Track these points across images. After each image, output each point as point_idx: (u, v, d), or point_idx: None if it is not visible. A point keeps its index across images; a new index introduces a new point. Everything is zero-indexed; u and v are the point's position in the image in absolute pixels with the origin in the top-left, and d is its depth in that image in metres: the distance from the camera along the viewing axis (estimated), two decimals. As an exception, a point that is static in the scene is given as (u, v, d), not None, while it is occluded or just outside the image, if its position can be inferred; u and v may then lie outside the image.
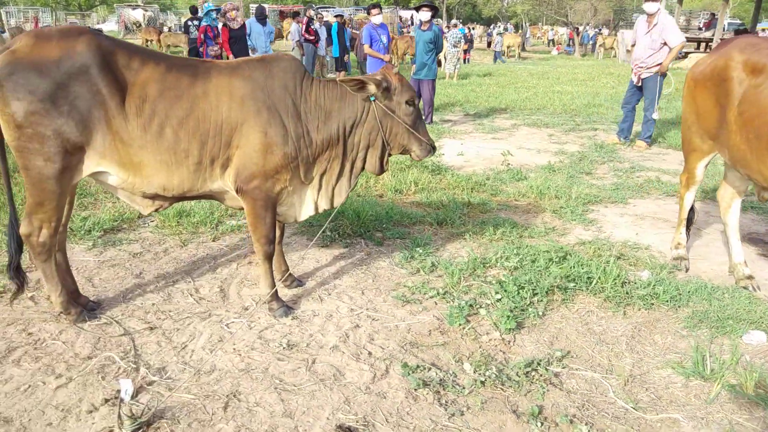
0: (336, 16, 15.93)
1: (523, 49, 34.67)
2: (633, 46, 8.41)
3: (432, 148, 3.55)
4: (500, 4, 66.53)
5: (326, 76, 17.56)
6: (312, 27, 16.41)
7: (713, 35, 23.58)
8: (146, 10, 34.83)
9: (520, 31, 44.69)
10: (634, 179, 6.74)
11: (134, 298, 3.67)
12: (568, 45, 40.41)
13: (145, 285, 3.86)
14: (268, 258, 3.47)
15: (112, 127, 3.01)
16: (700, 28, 28.53)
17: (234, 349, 3.15)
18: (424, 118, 9.77)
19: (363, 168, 3.55)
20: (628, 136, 8.69)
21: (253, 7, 14.93)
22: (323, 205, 3.53)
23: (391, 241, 4.69)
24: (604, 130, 9.86)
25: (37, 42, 2.91)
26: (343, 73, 15.70)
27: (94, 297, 3.65)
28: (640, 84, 8.21)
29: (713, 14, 30.26)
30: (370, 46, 9.95)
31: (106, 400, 2.67)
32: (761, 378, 2.84)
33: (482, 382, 2.87)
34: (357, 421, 2.60)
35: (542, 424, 2.59)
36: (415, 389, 2.82)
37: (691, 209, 4.25)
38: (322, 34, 16.95)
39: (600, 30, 42.73)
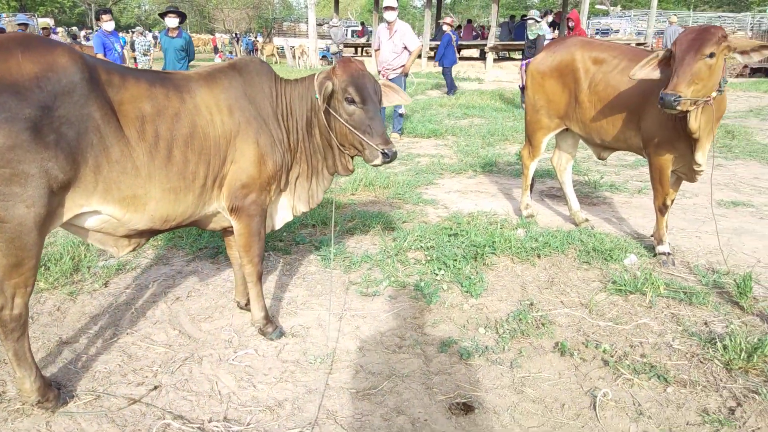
0: (20, 24, 13.36)
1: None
2: (377, 50, 9.47)
3: (383, 154, 2.98)
4: (138, 11, 63.94)
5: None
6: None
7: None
8: None
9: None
10: (420, 165, 7.75)
11: (88, 367, 2.99)
12: (230, 52, 41.31)
13: (83, 350, 3.14)
14: (260, 278, 3.24)
15: (111, 157, 2.46)
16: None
17: (277, 378, 2.91)
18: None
19: (334, 167, 3.34)
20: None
21: None
22: (301, 208, 3.40)
23: (296, 248, 4.63)
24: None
25: (4, 56, 2.22)
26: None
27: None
28: (387, 84, 9.31)
29: (362, 23, 34.58)
30: (105, 55, 8.97)
31: (215, 466, 2.28)
32: (667, 281, 3.93)
33: (506, 338, 3.29)
34: (467, 397, 2.78)
35: (573, 354, 3.16)
36: (467, 359, 3.10)
37: (534, 176, 5.32)
38: None
39: (257, 37, 44.88)
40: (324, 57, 28.94)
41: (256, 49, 37.36)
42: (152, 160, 2.58)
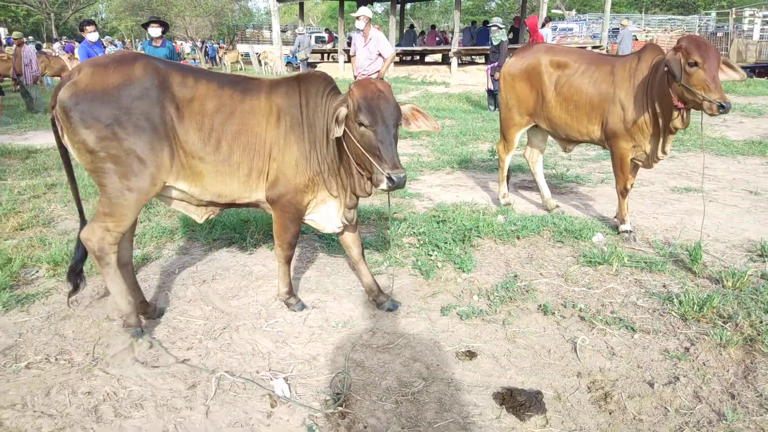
0: None
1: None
2: (353, 56, 9.98)
3: (389, 179, 2.96)
4: (95, 19, 63.16)
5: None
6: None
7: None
8: None
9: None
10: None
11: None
12: (193, 59, 41.30)
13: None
14: (288, 261, 3.70)
15: (176, 144, 3.14)
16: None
17: (307, 339, 3.40)
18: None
19: (353, 187, 3.43)
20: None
21: None
22: (348, 215, 3.62)
23: (300, 236, 5.10)
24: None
25: (95, 70, 2.97)
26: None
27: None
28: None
29: (328, 29, 35.09)
30: (90, 66, 9.26)
31: (273, 403, 2.76)
32: (630, 254, 4.55)
33: (496, 303, 3.85)
34: (470, 347, 3.31)
35: (554, 313, 3.73)
36: (465, 319, 3.64)
37: (509, 169, 5.91)
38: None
39: (219, 44, 44.99)
40: (289, 63, 29.30)
41: (219, 56, 37.52)
42: (204, 147, 3.16)
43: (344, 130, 3.10)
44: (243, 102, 3.27)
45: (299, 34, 24.17)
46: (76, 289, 3.40)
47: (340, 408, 2.77)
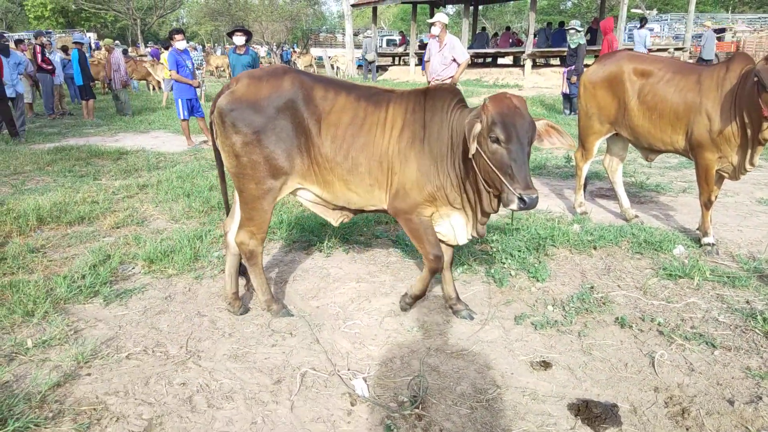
0: (75, 43, 14.53)
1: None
2: (428, 61, 10.08)
3: (520, 200, 2.87)
4: (177, 24, 66.20)
5: (65, 107, 15.86)
6: (47, 55, 14.72)
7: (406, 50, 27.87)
8: None
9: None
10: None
11: (229, 333, 3.65)
12: (269, 62, 42.55)
13: (220, 321, 3.81)
14: (431, 272, 3.62)
15: (311, 153, 3.44)
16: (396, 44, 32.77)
17: (383, 341, 3.53)
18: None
19: (480, 203, 3.34)
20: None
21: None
22: (472, 232, 3.55)
23: (375, 241, 5.25)
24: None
25: (250, 82, 3.37)
26: (91, 101, 14.40)
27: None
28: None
29: (402, 32, 35.39)
30: (177, 72, 9.80)
31: (352, 402, 2.91)
32: (712, 268, 4.43)
33: (572, 314, 3.84)
34: (545, 357, 3.35)
35: (632, 326, 3.69)
36: (540, 329, 3.66)
37: (586, 177, 5.85)
38: (57, 61, 15.31)
39: (293, 48, 46.12)
40: (360, 66, 29.70)
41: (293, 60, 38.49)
42: (335, 156, 3.39)
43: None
44: (373, 114, 3.42)
45: (366, 37, 24.55)
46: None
47: (416, 410, 2.87)
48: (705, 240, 4.87)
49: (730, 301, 3.99)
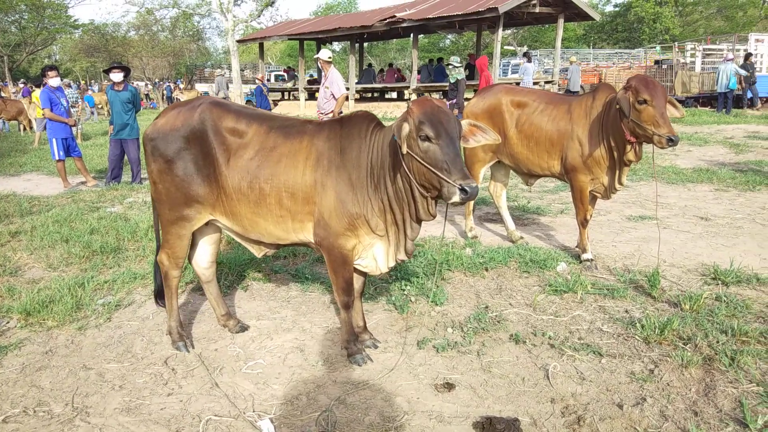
0: None
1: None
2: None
3: (461, 190, 2.86)
4: (49, 61, 62.35)
5: None
6: None
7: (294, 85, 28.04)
8: None
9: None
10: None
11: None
12: (151, 99, 40.97)
13: (114, 375, 3.56)
14: (345, 307, 3.61)
15: (219, 183, 3.49)
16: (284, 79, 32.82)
17: (287, 378, 3.46)
18: (132, 178, 9.56)
19: (417, 213, 3.28)
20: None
21: None
22: (399, 255, 3.49)
23: (275, 276, 5.16)
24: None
25: (171, 113, 3.56)
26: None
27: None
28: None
29: (289, 67, 35.51)
30: (51, 110, 9.23)
31: (259, 444, 2.80)
32: (592, 282, 4.76)
33: (470, 334, 3.97)
34: (448, 378, 3.42)
35: (525, 342, 3.87)
36: (442, 352, 3.75)
37: (474, 203, 6.11)
38: None
39: (176, 83, 44.78)
40: (249, 102, 29.40)
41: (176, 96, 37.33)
42: (240, 186, 3.43)
43: (402, 153, 3.00)
44: (283, 145, 3.40)
45: (218, 75, 24.26)
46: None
47: (326, 445, 2.82)
48: (584, 256, 5.25)
49: (611, 311, 4.30)
